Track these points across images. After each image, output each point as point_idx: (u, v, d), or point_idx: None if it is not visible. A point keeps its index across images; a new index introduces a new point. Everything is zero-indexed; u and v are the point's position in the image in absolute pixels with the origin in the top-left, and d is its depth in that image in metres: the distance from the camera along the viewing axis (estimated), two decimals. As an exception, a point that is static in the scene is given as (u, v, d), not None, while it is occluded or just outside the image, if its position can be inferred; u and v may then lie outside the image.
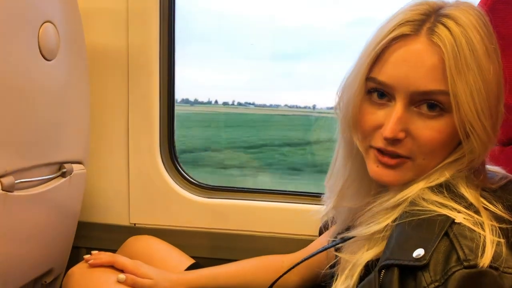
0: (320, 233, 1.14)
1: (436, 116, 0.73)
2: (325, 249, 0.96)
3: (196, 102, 2.25)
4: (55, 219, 1.23)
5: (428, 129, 0.73)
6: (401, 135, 0.73)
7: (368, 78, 0.76)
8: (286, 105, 2.31)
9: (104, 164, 1.49)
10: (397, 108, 0.73)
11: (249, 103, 2.38)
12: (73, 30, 1.17)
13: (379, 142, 0.76)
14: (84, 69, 1.26)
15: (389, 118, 0.73)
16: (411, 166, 0.76)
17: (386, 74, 0.74)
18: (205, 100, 2.30)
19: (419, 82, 0.71)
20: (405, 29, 0.73)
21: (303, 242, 1.20)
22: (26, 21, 1.00)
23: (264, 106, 2.36)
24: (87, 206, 1.48)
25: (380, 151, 0.76)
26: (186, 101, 2.12)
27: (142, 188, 1.49)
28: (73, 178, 1.23)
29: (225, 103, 2.37)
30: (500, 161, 0.86)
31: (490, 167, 0.84)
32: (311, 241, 1.17)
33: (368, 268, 0.75)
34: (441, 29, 0.71)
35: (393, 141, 0.74)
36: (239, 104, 2.37)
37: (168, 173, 1.49)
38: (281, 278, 1.07)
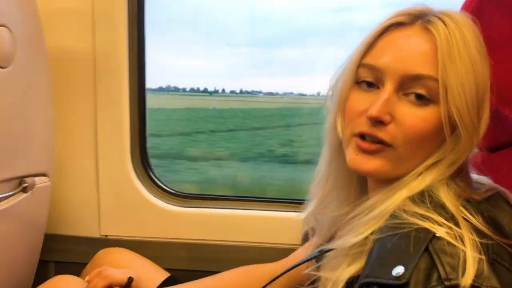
0: (303, 241, 1.10)
1: (422, 105, 0.72)
2: (305, 261, 0.93)
3: (178, 90, 2.16)
4: (18, 236, 1.17)
5: (414, 116, 0.72)
6: (386, 117, 0.72)
7: (360, 65, 0.77)
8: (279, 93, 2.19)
9: (72, 173, 1.43)
10: (386, 90, 0.73)
11: (256, 91, 2.24)
12: (31, 33, 1.10)
13: (362, 126, 0.74)
14: (46, 75, 1.20)
15: (376, 100, 0.73)
16: (391, 155, 0.74)
17: (378, 58, 0.75)
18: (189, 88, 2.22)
19: (410, 66, 0.72)
20: (401, 18, 0.76)
21: (285, 252, 1.16)
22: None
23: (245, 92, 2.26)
24: (56, 218, 1.42)
25: (362, 137, 0.75)
26: (168, 89, 2.05)
27: (113, 197, 1.42)
28: (36, 192, 1.17)
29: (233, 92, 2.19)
30: (487, 169, 0.83)
31: (476, 176, 0.82)
32: (293, 250, 1.14)
33: (349, 285, 0.73)
34: (436, 20, 0.73)
35: (377, 123, 0.73)
36: (243, 92, 2.23)
37: (140, 181, 1.43)
38: None
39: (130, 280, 0.96)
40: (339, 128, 0.80)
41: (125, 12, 1.33)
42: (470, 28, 0.74)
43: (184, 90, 2.22)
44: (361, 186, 0.85)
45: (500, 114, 0.82)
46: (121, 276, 0.98)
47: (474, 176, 0.81)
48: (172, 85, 2.12)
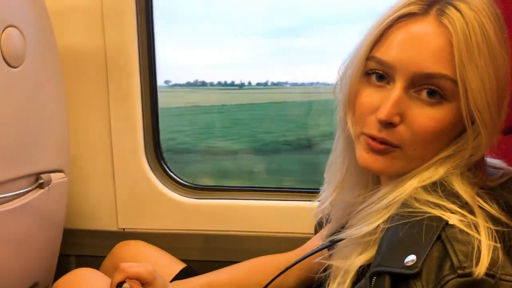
0: (316, 231, 1.09)
1: (435, 103, 0.68)
2: (318, 250, 0.92)
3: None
4: (36, 232, 1.19)
5: (425, 117, 0.68)
6: (396, 119, 0.68)
7: (369, 57, 0.72)
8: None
9: (88, 168, 1.45)
10: (396, 89, 0.68)
11: (282, 83, 2.19)
12: (41, 33, 1.12)
13: (371, 129, 0.71)
14: (58, 73, 1.21)
15: (386, 101, 0.69)
16: (400, 156, 0.71)
17: (388, 53, 0.69)
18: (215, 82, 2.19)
19: (422, 64, 0.67)
20: (413, 8, 0.69)
21: (300, 241, 1.15)
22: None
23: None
24: (74, 213, 1.45)
25: (371, 137, 0.71)
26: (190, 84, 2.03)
27: (129, 191, 1.44)
28: (52, 188, 1.18)
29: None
30: (502, 151, 0.81)
31: (491, 160, 0.79)
32: (308, 239, 1.13)
33: (360, 273, 0.72)
34: (452, 11, 0.66)
35: (387, 125, 0.69)
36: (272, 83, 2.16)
37: (155, 174, 1.44)
38: (277, 279, 1.03)
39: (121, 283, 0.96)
40: (349, 124, 0.76)
41: (133, 7, 1.34)
42: (490, 13, 0.68)
43: (211, 84, 2.21)
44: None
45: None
46: (137, 269, 0.98)
47: (489, 160, 0.78)
48: (200, 79, 2.11)
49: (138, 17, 1.36)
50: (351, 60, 0.76)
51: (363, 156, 0.73)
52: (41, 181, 1.14)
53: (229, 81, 2.18)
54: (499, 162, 0.79)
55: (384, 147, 0.71)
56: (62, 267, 1.37)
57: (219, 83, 2.16)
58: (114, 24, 1.34)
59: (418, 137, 0.69)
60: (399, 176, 0.74)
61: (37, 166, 1.14)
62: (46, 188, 1.16)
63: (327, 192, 0.88)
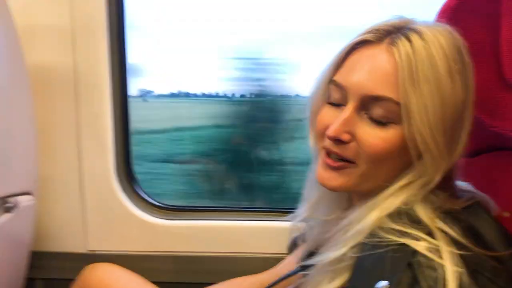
0: (290, 250, 1.09)
1: (383, 124, 0.72)
2: (289, 275, 0.94)
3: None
4: (1, 256, 1.14)
5: (373, 136, 0.72)
6: (346, 137, 0.73)
7: (331, 81, 0.77)
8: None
9: (57, 189, 1.41)
10: (347, 109, 0.74)
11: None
12: (9, 50, 1.08)
13: (327, 143, 0.76)
14: (26, 92, 1.18)
15: (336, 120, 0.74)
16: (355, 172, 0.75)
17: (344, 76, 0.75)
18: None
19: (370, 87, 0.72)
20: (369, 36, 0.75)
21: (273, 261, 1.16)
22: None
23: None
24: (42, 235, 1.41)
25: (327, 153, 0.76)
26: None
27: (99, 212, 1.41)
28: (20, 211, 1.14)
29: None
30: (468, 174, 0.83)
31: (461, 183, 0.82)
32: (281, 259, 1.14)
33: None
34: (403, 40, 0.71)
35: (337, 141, 0.74)
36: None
37: (126, 195, 1.42)
38: None
39: None
40: (311, 141, 0.82)
41: (104, 25, 1.32)
42: (445, 45, 0.71)
43: (195, 95, 2.19)
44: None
45: (477, 119, 0.82)
46: None
47: (459, 183, 0.81)
48: (183, 90, 2.09)
49: (109, 35, 1.34)
50: (317, 83, 0.81)
51: (320, 173, 0.78)
52: (8, 205, 1.11)
53: (213, 92, 2.17)
54: (466, 185, 0.82)
55: (338, 164, 0.75)
56: (28, 292, 1.34)
57: (203, 94, 2.14)
58: (85, 42, 1.32)
59: (370, 155, 0.73)
60: (362, 195, 0.77)
61: (4, 190, 1.10)
62: (13, 212, 1.12)
63: (303, 208, 0.91)
